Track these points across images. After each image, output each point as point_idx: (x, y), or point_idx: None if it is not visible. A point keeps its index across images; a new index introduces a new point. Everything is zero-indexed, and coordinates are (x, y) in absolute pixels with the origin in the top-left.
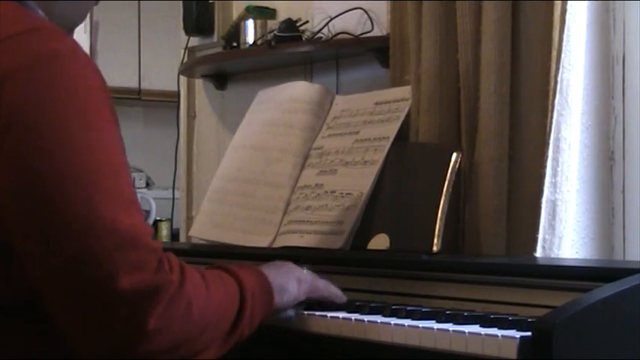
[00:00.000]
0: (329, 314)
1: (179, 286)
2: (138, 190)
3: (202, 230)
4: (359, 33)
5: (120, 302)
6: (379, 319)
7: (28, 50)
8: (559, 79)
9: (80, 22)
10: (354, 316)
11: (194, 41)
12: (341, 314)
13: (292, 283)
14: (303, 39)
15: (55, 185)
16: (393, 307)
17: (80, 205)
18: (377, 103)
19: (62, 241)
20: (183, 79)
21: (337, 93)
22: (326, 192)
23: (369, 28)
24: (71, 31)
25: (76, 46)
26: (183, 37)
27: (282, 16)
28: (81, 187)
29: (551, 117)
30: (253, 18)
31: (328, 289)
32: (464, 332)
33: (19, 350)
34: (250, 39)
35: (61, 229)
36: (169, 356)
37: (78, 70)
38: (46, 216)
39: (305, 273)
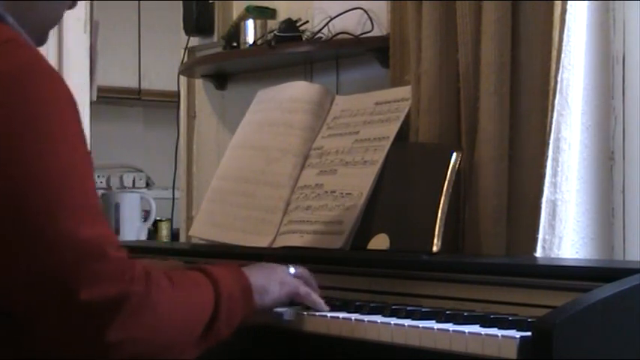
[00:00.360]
0: (329, 314)
1: (142, 297)
2: (138, 190)
3: (202, 230)
4: (359, 33)
5: (80, 314)
6: (379, 319)
7: None
8: (559, 79)
9: (54, 25)
10: (354, 316)
11: (194, 41)
12: (341, 314)
13: (274, 284)
14: (303, 39)
15: (17, 198)
16: (393, 307)
17: (42, 218)
18: (377, 103)
19: (24, 253)
20: (183, 79)
21: (337, 93)
22: (326, 192)
23: (369, 28)
24: (45, 34)
25: (41, 59)
26: (183, 37)
27: (282, 16)
28: (43, 199)
29: (551, 117)
30: (253, 18)
31: (309, 297)
32: (464, 332)
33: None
34: (250, 39)
35: (23, 241)
36: None
37: (43, 84)
38: (9, 228)
39: (289, 276)
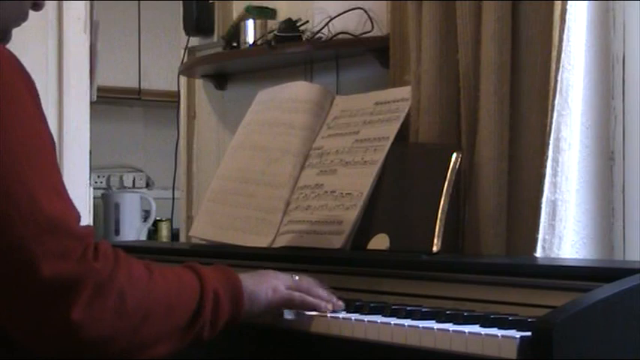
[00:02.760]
0: (329, 314)
1: (108, 276)
2: (138, 190)
3: (202, 230)
4: (359, 33)
5: (41, 290)
6: (379, 319)
7: None
8: (559, 79)
9: (14, 24)
10: (354, 316)
11: (194, 41)
12: (341, 314)
13: (267, 290)
14: (303, 39)
15: None
16: (393, 307)
17: (3, 194)
18: (377, 103)
19: None
20: (183, 79)
21: (337, 93)
22: (326, 192)
23: (369, 28)
24: (5, 32)
25: None
26: (183, 37)
27: (282, 16)
28: (5, 176)
29: (551, 117)
30: (253, 18)
31: (305, 301)
32: (464, 332)
33: None
34: (250, 39)
35: None
36: (107, 348)
37: (1, 67)
38: None
39: (285, 282)
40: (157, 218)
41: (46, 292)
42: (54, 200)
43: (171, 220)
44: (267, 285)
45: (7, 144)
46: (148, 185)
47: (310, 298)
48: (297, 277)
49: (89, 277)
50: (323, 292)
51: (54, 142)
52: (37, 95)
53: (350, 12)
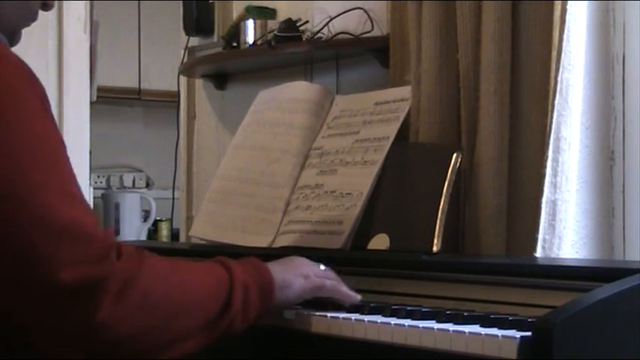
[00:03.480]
0: (329, 314)
1: (132, 274)
2: (138, 190)
3: (202, 230)
4: (359, 33)
5: (64, 297)
6: (379, 319)
7: None
8: (559, 79)
9: (24, 24)
10: (354, 316)
11: (194, 41)
12: (341, 314)
13: (297, 279)
14: (303, 39)
15: None
16: (393, 307)
17: (17, 201)
18: (377, 103)
19: (1, 236)
20: (183, 79)
21: (337, 93)
22: (326, 192)
23: (369, 28)
24: (14, 32)
25: (3, 47)
26: (183, 37)
27: (282, 16)
28: (18, 182)
29: (551, 117)
30: (253, 18)
31: (337, 289)
32: (464, 332)
33: None
34: (250, 39)
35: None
36: (136, 346)
37: (7, 71)
38: None
39: (314, 270)
40: (157, 218)
41: (69, 298)
42: (70, 205)
43: (171, 220)
44: (298, 272)
45: (20, 152)
46: (148, 185)
47: (343, 287)
48: (322, 267)
49: (112, 278)
50: (347, 286)
51: (65, 145)
52: (46, 99)
53: (350, 12)
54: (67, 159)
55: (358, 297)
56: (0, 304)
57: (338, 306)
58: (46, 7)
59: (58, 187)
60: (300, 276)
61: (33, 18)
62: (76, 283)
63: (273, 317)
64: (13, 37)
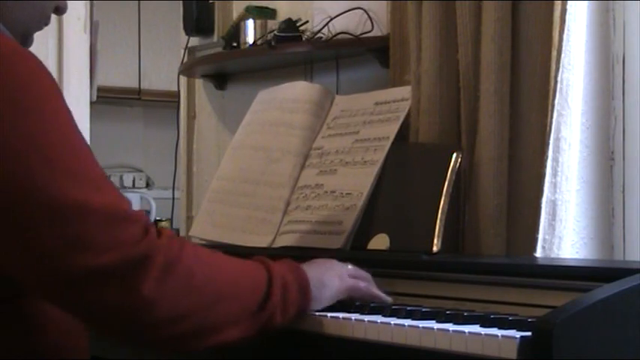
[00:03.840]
0: (329, 314)
1: (176, 253)
2: (138, 190)
3: (202, 230)
4: (359, 33)
5: (108, 279)
6: (379, 319)
7: None
8: (559, 79)
9: (37, 27)
10: (354, 316)
11: (194, 41)
12: (341, 314)
13: (332, 278)
14: (303, 39)
15: (22, 175)
16: (393, 307)
17: (51, 192)
18: (377, 103)
19: (38, 230)
20: (183, 79)
21: (337, 93)
22: (326, 192)
23: (369, 28)
24: (27, 35)
25: (17, 44)
26: (183, 37)
27: (282, 16)
28: (48, 174)
29: (551, 117)
30: (253, 18)
31: (370, 291)
32: (464, 332)
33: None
34: (250, 39)
35: (35, 218)
36: (180, 326)
37: (25, 67)
38: (18, 206)
39: (346, 271)
40: (157, 218)
41: (113, 279)
42: (104, 191)
43: (171, 220)
44: (333, 273)
45: (54, 139)
46: (148, 185)
47: (375, 289)
48: (350, 266)
49: (156, 254)
50: (378, 284)
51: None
52: (62, 93)
53: (350, 12)
54: (87, 145)
55: (389, 299)
56: (37, 290)
57: (362, 306)
58: (59, 10)
59: (88, 176)
60: (335, 276)
61: (46, 22)
62: (120, 264)
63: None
64: (26, 41)
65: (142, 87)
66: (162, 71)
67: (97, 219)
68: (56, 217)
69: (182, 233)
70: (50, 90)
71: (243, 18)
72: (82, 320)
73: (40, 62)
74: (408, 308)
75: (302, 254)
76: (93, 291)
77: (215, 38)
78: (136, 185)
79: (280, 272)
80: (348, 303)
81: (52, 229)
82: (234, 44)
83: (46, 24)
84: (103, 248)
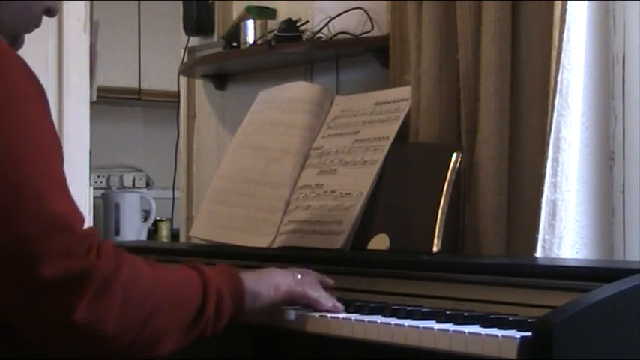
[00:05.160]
0: (329, 314)
1: (112, 273)
2: (138, 190)
3: (202, 230)
4: (359, 33)
5: (45, 289)
6: (379, 319)
7: None
8: (559, 79)
9: (25, 28)
10: (354, 316)
11: (194, 41)
12: (341, 314)
13: (267, 289)
14: (303, 39)
15: None
16: (393, 307)
17: (6, 191)
18: (377, 103)
19: None
20: (183, 79)
21: (337, 93)
22: (326, 192)
23: (369, 28)
24: (15, 37)
25: (3, 44)
26: (184, 37)
27: (282, 16)
28: (7, 173)
29: (551, 117)
30: (253, 18)
31: (307, 296)
32: (464, 332)
33: None
34: (250, 39)
35: None
36: (114, 344)
37: (13, 66)
38: None
39: (286, 280)
40: (157, 218)
41: (49, 292)
42: (60, 199)
43: (171, 220)
44: (270, 283)
45: (17, 141)
46: (148, 185)
47: (313, 295)
48: (299, 275)
49: (93, 275)
50: (324, 292)
51: (61, 146)
52: (45, 97)
53: (350, 12)
54: (60, 157)
55: (338, 306)
56: None
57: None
58: (50, 12)
59: (51, 181)
60: (270, 287)
61: (36, 24)
62: (58, 277)
63: (274, 319)
64: (16, 42)
65: (142, 87)
66: (162, 71)
67: (47, 225)
68: (8, 217)
69: (182, 233)
70: (26, 94)
71: (243, 18)
72: (26, 328)
73: (24, 64)
74: (408, 308)
75: (302, 254)
76: (28, 298)
77: (215, 38)
78: (136, 185)
79: (215, 281)
80: (348, 303)
81: (1, 229)
82: (234, 44)
83: (37, 26)
84: (45, 257)
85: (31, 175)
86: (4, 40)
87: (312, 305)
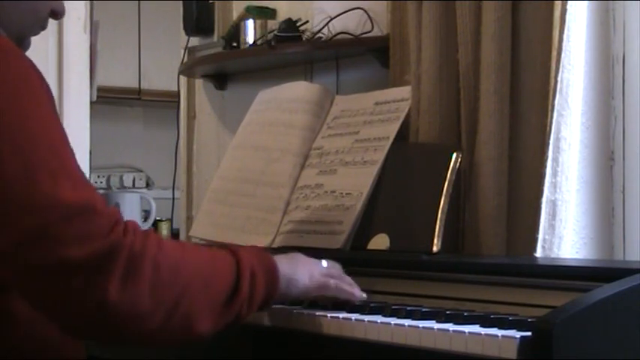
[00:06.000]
0: (329, 314)
1: (140, 249)
2: (138, 190)
3: (202, 230)
4: (359, 33)
5: (74, 274)
6: (379, 319)
7: None
8: (559, 79)
9: (32, 30)
10: (354, 316)
11: (194, 41)
12: (341, 314)
13: (302, 275)
14: (303, 39)
15: None
16: (393, 307)
17: (21, 182)
18: (377, 103)
19: (6, 220)
20: (183, 79)
21: (337, 93)
22: (326, 192)
23: (369, 28)
24: (22, 38)
25: (8, 42)
26: (183, 37)
27: (282, 16)
28: (21, 164)
29: (551, 117)
30: (253, 18)
31: (341, 288)
32: (464, 332)
33: None
34: (250, 39)
35: (4, 208)
36: (147, 323)
37: (12, 65)
38: None
39: (319, 268)
40: (157, 218)
41: (78, 275)
42: (75, 186)
43: (171, 220)
44: (304, 270)
45: (29, 137)
46: (148, 185)
47: (345, 287)
48: (325, 264)
49: (120, 252)
50: (351, 281)
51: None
52: (52, 95)
53: (350, 12)
54: (68, 144)
55: (363, 295)
56: (8, 284)
57: (341, 304)
58: (56, 15)
59: (63, 171)
60: (305, 274)
61: (42, 26)
62: (84, 260)
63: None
64: (22, 44)
65: (142, 87)
66: (162, 71)
67: (66, 211)
68: (25, 207)
69: (182, 233)
70: (36, 89)
71: (243, 18)
72: (49, 317)
73: (32, 63)
74: (408, 308)
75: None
76: (57, 285)
77: (215, 38)
78: (136, 185)
79: (249, 261)
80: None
81: (20, 221)
82: (234, 44)
83: (43, 28)
84: (70, 241)
85: (45, 166)
86: (11, 41)
87: (344, 297)
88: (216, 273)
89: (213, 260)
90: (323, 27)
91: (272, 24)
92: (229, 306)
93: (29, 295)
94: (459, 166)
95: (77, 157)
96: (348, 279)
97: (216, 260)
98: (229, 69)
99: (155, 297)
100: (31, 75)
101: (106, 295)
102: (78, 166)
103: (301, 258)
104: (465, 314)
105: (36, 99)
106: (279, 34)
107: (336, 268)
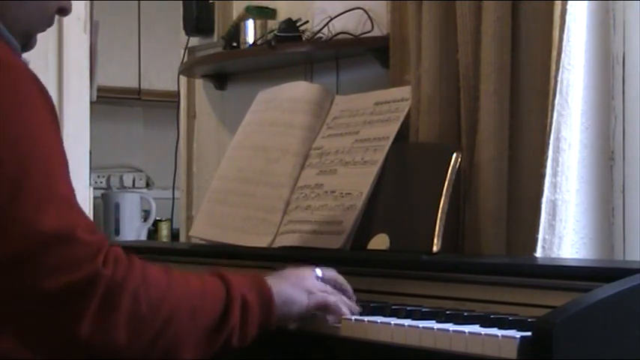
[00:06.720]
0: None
1: (119, 281)
2: (138, 190)
3: (202, 230)
4: (359, 33)
5: (47, 305)
6: (379, 319)
7: None
8: (559, 79)
9: (38, 27)
10: (354, 316)
11: (194, 41)
12: None
13: (301, 295)
14: (303, 39)
15: None
16: (393, 307)
17: (4, 207)
18: (377, 103)
19: None
20: (183, 79)
21: (337, 93)
22: (326, 192)
23: (369, 28)
24: (29, 36)
25: (10, 55)
26: (183, 37)
27: (282, 16)
28: (9, 189)
29: (551, 117)
30: (253, 18)
31: (339, 308)
32: (464, 332)
33: None
34: (250, 39)
35: None
36: (132, 354)
37: (9, 77)
38: None
39: (317, 284)
40: (157, 218)
41: (50, 306)
42: (59, 212)
43: (171, 220)
44: (301, 287)
45: (22, 154)
46: (148, 185)
47: (343, 308)
48: (319, 273)
49: (98, 284)
50: (348, 288)
51: (66, 159)
52: (55, 113)
53: (350, 12)
54: (66, 167)
55: (359, 310)
56: None
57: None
58: (63, 12)
59: (54, 193)
60: (303, 292)
61: (49, 23)
62: (60, 292)
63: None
64: (29, 42)
65: (142, 87)
66: (162, 71)
67: (44, 240)
68: (3, 235)
69: (182, 233)
70: (35, 106)
71: (243, 18)
72: (25, 344)
73: (33, 76)
74: (408, 308)
75: (302, 254)
76: (30, 314)
77: (215, 38)
78: (136, 185)
79: (240, 288)
80: None
81: (2, 246)
82: (234, 44)
83: (50, 25)
84: (45, 271)
85: (31, 190)
86: (16, 44)
87: (341, 315)
88: (204, 302)
89: (202, 288)
90: (323, 27)
91: (272, 24)
92: (217, 334)
93: (5, 320)
94: (459, 165)
95: (77, 157)
96: (346, 288)
97: (206, 288)
98: (229, 69)
99: (133, 331)
100: (32, 93)
101: (78, 329)
102: (70, 189)
103: (294, 274)
104: (465, 314)
105: (35, 117)
106: (279, 34)
107: (332, 274)
